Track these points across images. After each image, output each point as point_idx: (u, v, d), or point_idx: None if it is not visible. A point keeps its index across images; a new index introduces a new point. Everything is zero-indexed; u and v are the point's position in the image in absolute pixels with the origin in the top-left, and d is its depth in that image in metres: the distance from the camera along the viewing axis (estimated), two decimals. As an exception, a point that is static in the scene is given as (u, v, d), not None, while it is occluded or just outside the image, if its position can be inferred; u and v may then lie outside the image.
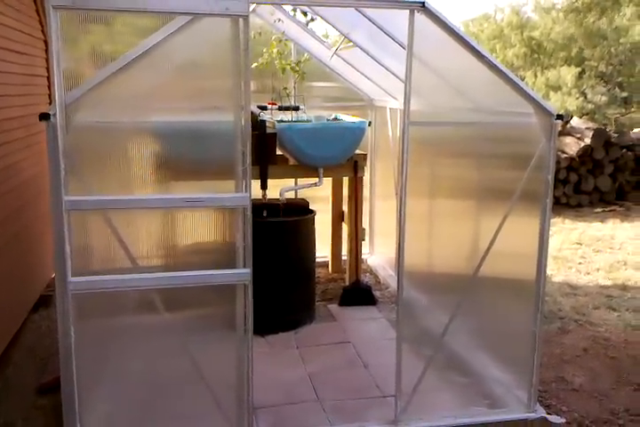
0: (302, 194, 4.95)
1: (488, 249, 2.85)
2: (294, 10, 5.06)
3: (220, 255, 2.52)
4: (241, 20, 2.26)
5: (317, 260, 4.89)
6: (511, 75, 2.59)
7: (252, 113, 4.34)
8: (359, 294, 4.51)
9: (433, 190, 3.75)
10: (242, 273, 2.43)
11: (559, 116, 2.66)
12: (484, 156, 3.12)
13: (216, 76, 2.40)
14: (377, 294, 4.63)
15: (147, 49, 2.23)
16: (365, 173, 4.67)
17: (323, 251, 5.10)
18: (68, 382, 2.36)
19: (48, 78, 4.77)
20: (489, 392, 3.08)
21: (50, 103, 4.73)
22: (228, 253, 2.46)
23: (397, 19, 3.14)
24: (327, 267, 5.25)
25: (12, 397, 3.17)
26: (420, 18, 2.49)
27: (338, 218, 5.04)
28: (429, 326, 3.41)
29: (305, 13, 5.95)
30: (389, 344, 3.52)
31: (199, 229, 2.54)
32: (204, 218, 2.51)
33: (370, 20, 3.43)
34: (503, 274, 3.02)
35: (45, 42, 4.71)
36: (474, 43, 2.56)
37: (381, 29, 3.44)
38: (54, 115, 2.17)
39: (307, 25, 4.83)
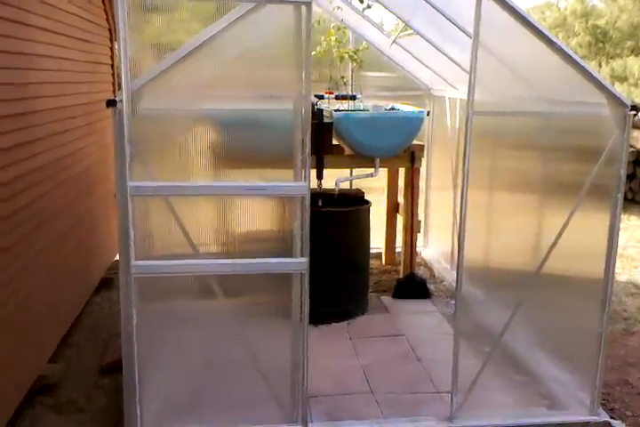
0: (357, 184, 4.92)
1: (553, 245, 2.74)
2: (355, -3, 4.99)
3: (277, 244, 2.52)
4: (303, 7, 2.24)
5: (371, 251, 4.87)
6: (583, 63, 2.47)
7: (309, 102, 4.37)
8: (413, 286, 4.45)
9: (494, 183, 3.65)
10: (299, 262, 2.43)
11: (634, 107, 2.53)
12: (551, 148, 3.01)
13: (277, 64, 2.39)
14: (431, 287, 4.56)
15: (209, 37, 2.24)
16: (422, 165, 4.60)
17: (376, 242, 5.05)
18: (130, 363, 2.42)
19: (112, 67, 4.88)
20: (548, 392, 2.99)
21: (113, 91, 4.85)
22: (285, 242, 2.46)
23: (460, 4, 3.06)
24: (380, 258, 5.21)
25: (74, 377, 3.28)
26: (488, 3, 2.40)
27: (393, 209, 4.98)
28: (486, 322, 3.33)
29: (362, 0, 5.85)
30: (443, 338, 3.49)
31: (258, 217, 2.54)
32: (262, 206, 2.52)
33: (432, 5, 3.34)
34: (568, 271, 2.91)
35: (110, 30, 4.81)
36: (543, 29, 2.45)
37: (444, 15, 3.34)
38: (121, 101, 2.20)
39: (363, 11, 4.76)
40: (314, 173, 4.12)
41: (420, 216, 5.15)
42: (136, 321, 2.36)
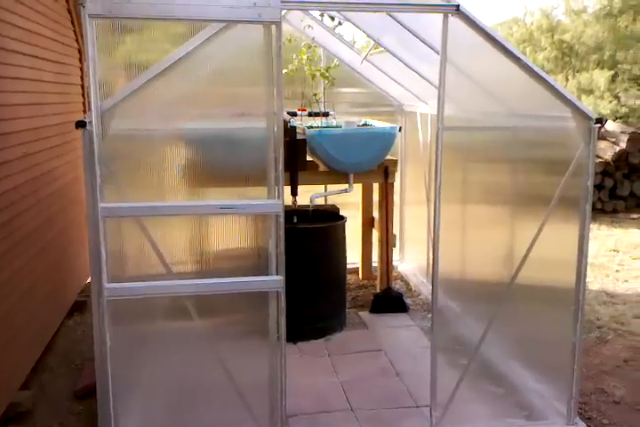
0: (332, 200, 4.93)
1: (525, 256, 2.78)
2: (322, 14, 5.04)
3: (252, 262, 2.51)
4: (273, 26, 2.26)
5: (347, 266, 4.88)
6: (548, 78, 2.54)
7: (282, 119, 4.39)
8: (390, 301, 4.46)
9: (466, 196, 3.70)
10: (274, 280, 2.42)
11: (598, 120, 2.59)
12: (520, 161, 3.06)
13: (248, 82, 2.41)
14: (408, 301, 4.57)
15: (180, 57, 2.25)
16: (396, 179, 4.64)
17: (353, 257, 5.06)
18: (104, 388, 2.37)
19: (82, 87, 4.85)
20: (527, 403, 3.01)
21: (84, 111, 4.81)
22: (260, 260, 2.45)
23: (429, 22, 3.11)
24: (357, 273, 5.22)
25: (48, 403, 3.20)
26: (454, 21, 2.46)
27: (368, 224, 5.00)
28: (463, 335, 3.36)
29: (332, 18, 5.95)
30: (422, 352, 3.51)
31: (232, 235, 2.53)
32: (236, 225, 2.51)
33: (401, 24, 3.40)
34: (540, 282, 2.95)
35: (80, 51, 4.79)
36: (509, 45, 2.51)
37: (413, 34, 3.40)
38: (90, 122, 2.19)
39: (334, 29, 4.82)
40: (288, 189, 4.13)
41: (396, 231, 5.18)
42: (110, 344, 2.32)
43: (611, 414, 3.09)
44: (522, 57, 2.48)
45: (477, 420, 2.87)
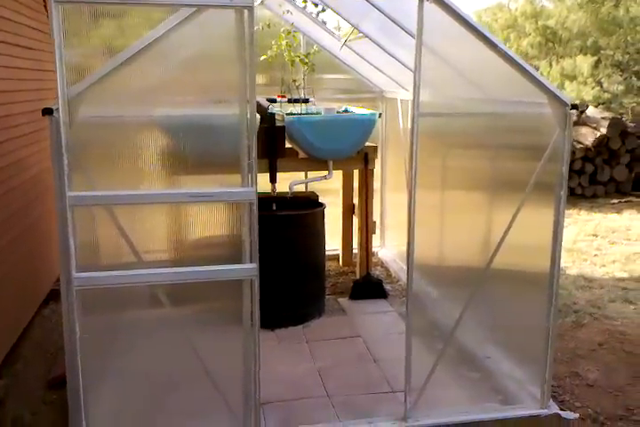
0: (313, 187, 4.92)
1: (501, 241, 2.79)
2: (305, 1, 4.99)
3: (226, 250, 2.49)
4: (246, 11, 2.21)
5: (328, 253, 4.85)
6: (524, 64, 2.52)
7: (260, 106, 4.34)
8: (370, 287, 4.47)
9: (445, 182, 3.69)
10: (248, 268, 2.40)
11: (574, 106, 2.59)
12: (497, 147, 3.06)
13: (221, 69, 2.36)
14: (388, 287, 4.59)
15: (149, 42, 2.20)
16: (376, 166, 4.63)
17: (334, 244, 5.07)
18: (74, 377, 2.35)
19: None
20: (501, 388, 3.04)
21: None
22: (234, 248, 2.43)
23: (408, 8, 3.08)
24: (338, 260, 5.22)
25: (21, 391, 3.18)
26: (430, 7, 2.43)
27: (348, 211, 4.99)
28: (440, 320, 3.37)
29: (316, 4, 5.86)
30: (400, 338, 3.48)
31: (205, 223, 2.50)
32: (210, 212, 2.48)
33: (379, 9, 3.36)
34: (516, 267, 2.97)
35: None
36: (486, 31, 2.49)
37: (391, 19, 3.37)
38: (57, 109, 2.14)
39: (317, 16, 4.77)
40: (267, 177, 4.11)
41: (376, 217, 5.18)
42: (80, 334, 2.30)
43: (584, 397, 3.14)
44: (497, 42, 2.46)
45: (453, 404, 2.89)
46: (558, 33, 20.24)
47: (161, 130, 2.39)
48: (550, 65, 18.83)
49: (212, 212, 2.48)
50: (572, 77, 17.88)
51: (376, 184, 5.05)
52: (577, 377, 3.33)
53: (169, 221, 2.50)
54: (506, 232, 2.78)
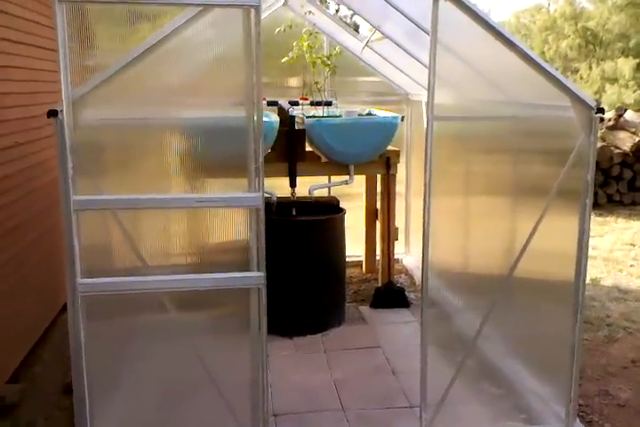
0: (335, 192, 4.83)
1: (523, 249, 2.65)
2: (326, 1, 4.90)
3: (233, 257, 2.42)
4: (252, 10, 2.15)
5: (351, 259, 4.82)
6: (545, 65, 2.39)
7: (281, 109, 4.28)
8: (392, 295, 4.35)
9: (465, 187, 3.56)
10: (255, 277, 2.32)
11: (600, 110, 2.43)
12: (519, 151, 2.92)
13: (228, 70, 2.30)
14: (411, 295, 4.46)
15: (155, 43, 2.15)
16: (401, 170, 4.51)
17: (356, 250, 4.97)
18: (79, 385, 2.31)
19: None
20: (525, 406, 2.88)
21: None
22: (241, 256, 2.35)
23: (428, 8, 2.98)
24: (361, 267, 5.11)
25: (37, 395, 3.17)
26: (445, 5, 2.32)
27: (372, 216, 4.88)
28: (462, 331, 3.24)
29: (338, 4, 5.70)
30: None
31: (212, 229, 2.45)
32: (217, 218, 2.42)
33: (398, 10, 3.26)
34: (541, 276, 2.82)
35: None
36: (504, 30, 2.36)
37: (410, 20, 3.27)
38: (62, 111, 2.11)
39: (336, 14, 4.67)
40: (287, 181, 4.04)
41: (401, 223, 5.07)
42: (85, 341, 2.26)
43: (614, 418, 2.95)
44: (516, 42, 2.33)
45: (472, 422, 2.76)
46: (599, 35, 19.75)
47: (167, 133, 2.34)
48: (590, 67, 18.37)
49: (220, 217, 2.42)
50: (613, 80, 17.40)
51: (401, 189, 4.97)
52: (607, 396, 3.13)
53: (175, 226, 2.45)
54: (529, 240, 2.64)
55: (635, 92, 16.86)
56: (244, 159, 2.28)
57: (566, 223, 2.62)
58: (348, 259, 4.70)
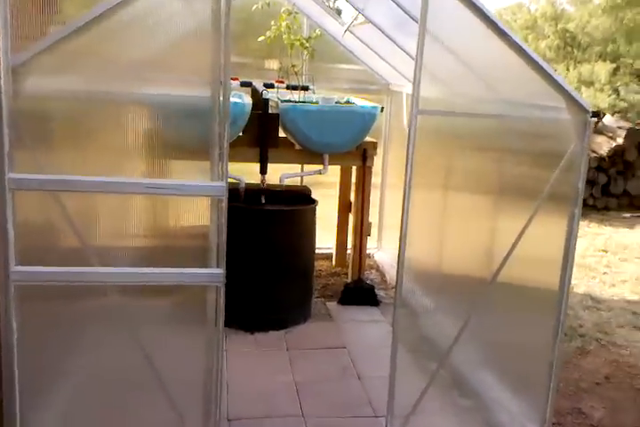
0: (309, 179, 4.61)
1: (508, 254, 2.48)
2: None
3: (190, 251, 2.18)
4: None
5: (321, 251, 4.64)
6: (541, 62, 2.20)
7: (255, 90, 4.03)
8: (361, 292, 4.17)
9: (448, 185, 3.37)
10: (214, 274, 2.09)
11: (594, 114, 2.26)
12: (507, 151, 2.74)
13: (193, 45, 2.04)
14: (381, 293, 4.28)
15: (110, 7, 1.88)
16: (378, 162, 4.32)
17: (327, 242, 4.78)
18: (9, 382, 2.05)
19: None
20: (495, 420, 2.72)
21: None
22: (200, 250, 2.12)
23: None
24: (330, 260, 4.92)
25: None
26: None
27: (345, 208, 4.67)
28: (434, 335, 3.07)
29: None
30: (389, 353, 3.21)
31: (170, 218, 2.20)
32: (173, 208, 2.18)
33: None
34: (523, 282, 2.65)
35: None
36: (500, 23, 2.16)
37: (397, 5, 3.05)
38: (-1, 78, 1.84)
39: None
40: (257, 167, 3.81)
41: (374, 216, 4.89)
42: (18, 334, 2.00)
43: (587, 439, 2.81)
44: (511, 35, 2.14)
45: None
46: (578, 37, 19.84)
47: (122, 109, 2.08)
48: (567, 69, 18.44)
49: (179, 206, 2.17)
50: (589, 83, 17.48)
51: (377, 181, 4.78)
52: (580, 415, 2.97)
53: (128, 213, 2.19)
54: (514, 244, 2.47)
55: (609, 96, 16.94)
56: (207, 144, 2.04)
57: (551, 229, 2.46)
58: (317, 251, 4.51)
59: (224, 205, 2.03)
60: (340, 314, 3.98)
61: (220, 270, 2.08)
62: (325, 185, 4.70)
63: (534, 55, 2.19)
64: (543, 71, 2.19)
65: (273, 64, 4.64)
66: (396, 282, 2.47)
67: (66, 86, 1.99)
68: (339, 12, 7.36)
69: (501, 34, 2.15)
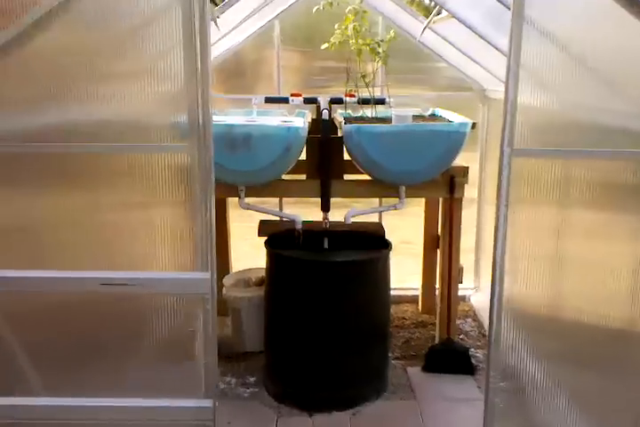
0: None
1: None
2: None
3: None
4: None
5: (406, 294, 4.08)
6: None
7: (319, 108, 3.35)
8: (452, 356, 3.32)
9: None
10: (203, 407, 1.41)
11: None
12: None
13: (159, 53, 1.38)
14: (479, 355, 3.42)
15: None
16: (474, 187, 3.50)
17: (412, 279, 4.05)
18: None
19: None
20: None
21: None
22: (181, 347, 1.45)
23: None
24: (417, 304, 4.12)
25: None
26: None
27: (431, 245, 3.84)
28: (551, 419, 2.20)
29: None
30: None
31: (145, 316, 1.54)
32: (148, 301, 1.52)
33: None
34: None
35: None
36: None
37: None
38: None
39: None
40: (318, 202, 3.12)
41: (470, 253, 4.05)
42: None
43: None
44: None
45: None
46: None
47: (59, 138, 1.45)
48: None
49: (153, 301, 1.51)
50: None
51: (472, 210, 3.97)
52: None
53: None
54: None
55: None
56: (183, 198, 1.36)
57: None
58: (401, 292, 4.04)
59: (209, 306, 1.35)
60: (424, 387, 3.15)
61: (209, 403, 1.40)
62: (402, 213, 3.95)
63: None
64: None
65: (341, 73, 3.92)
66: (488, 344, 1.88)
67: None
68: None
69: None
